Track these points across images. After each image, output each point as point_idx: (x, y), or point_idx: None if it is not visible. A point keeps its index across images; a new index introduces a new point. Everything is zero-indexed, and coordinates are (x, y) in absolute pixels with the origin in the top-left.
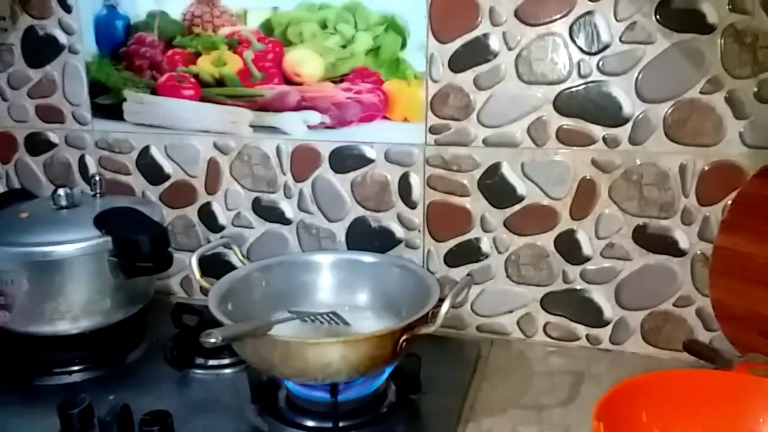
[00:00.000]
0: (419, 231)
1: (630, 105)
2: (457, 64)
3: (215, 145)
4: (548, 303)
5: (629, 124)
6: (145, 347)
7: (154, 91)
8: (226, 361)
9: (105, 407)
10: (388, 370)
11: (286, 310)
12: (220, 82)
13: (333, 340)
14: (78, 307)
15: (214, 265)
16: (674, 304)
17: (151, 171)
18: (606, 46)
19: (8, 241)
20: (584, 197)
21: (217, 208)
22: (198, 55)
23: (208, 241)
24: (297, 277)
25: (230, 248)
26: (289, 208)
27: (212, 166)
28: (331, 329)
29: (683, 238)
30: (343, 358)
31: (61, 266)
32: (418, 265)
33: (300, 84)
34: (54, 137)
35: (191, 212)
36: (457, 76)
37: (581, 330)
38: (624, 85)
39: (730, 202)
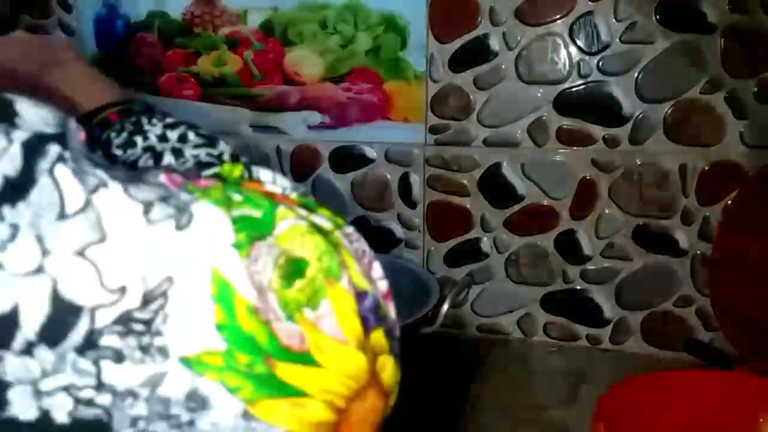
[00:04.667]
0: (419, 231)
1: (630, 105)
2: (457, 64)
3: None
4: (548, 303)
5: (629, 124)
6: None
7: (154, 91)
8: None
9: None
10: None
11: None
12: (220, 82)
13: None
14: None
15: None
16: (674, 304)
17: None
18: (606, 46)
19: None
20: (584, 197)
21: None
22: (198, 55)
23: None
24: None
25: None
26: None
27: None
28: None
29: (683, 238)
30: None
31: None
32: (418, 265)
33: (300, 84)
34: None
35: None
36: (457, 76)
37: (581, 330)
38: (624, 85)
39: (730, 202)
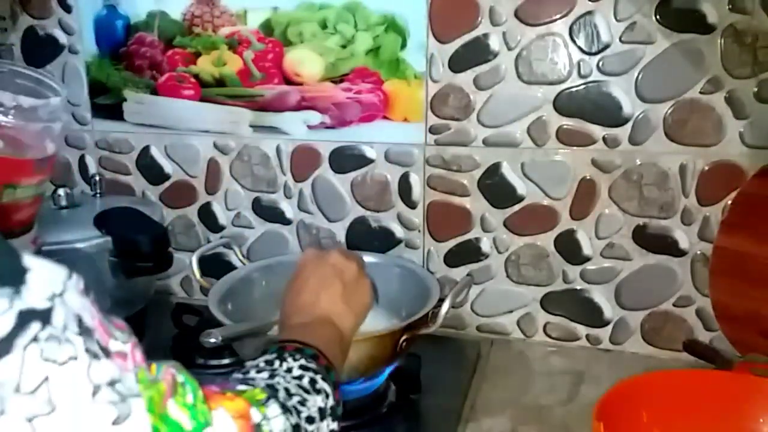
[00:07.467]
0: (419, 231)
1: (630, 105)
2: (457, 64)
3: (215, 145)
4: (548, 303)
5: (629, 124)
6: (144, 347)
7: (154, 91)
8: (226, 361)
9: None
10: (388, 370)
11: None
12: (220, 82)
13: None
14: None
15: (214, 265)
16: (674, 304)
17: (151, 171)
18: (606, 46)
19: None
20: (584, 197)
21: (217, 208)
22: (198, 55)
23: (208, 241)
24: None
25: (230, 248)
26: (289, 208)
27: (212, 166)
28: None
29: (683, 238)
30: None
31: None
32: (418, 265)
33: (300, 84)
34: None
35: (191, 212)
36: (457, 76)
37: (581, 330)
38: (624, 85)
39: (730, 202)
